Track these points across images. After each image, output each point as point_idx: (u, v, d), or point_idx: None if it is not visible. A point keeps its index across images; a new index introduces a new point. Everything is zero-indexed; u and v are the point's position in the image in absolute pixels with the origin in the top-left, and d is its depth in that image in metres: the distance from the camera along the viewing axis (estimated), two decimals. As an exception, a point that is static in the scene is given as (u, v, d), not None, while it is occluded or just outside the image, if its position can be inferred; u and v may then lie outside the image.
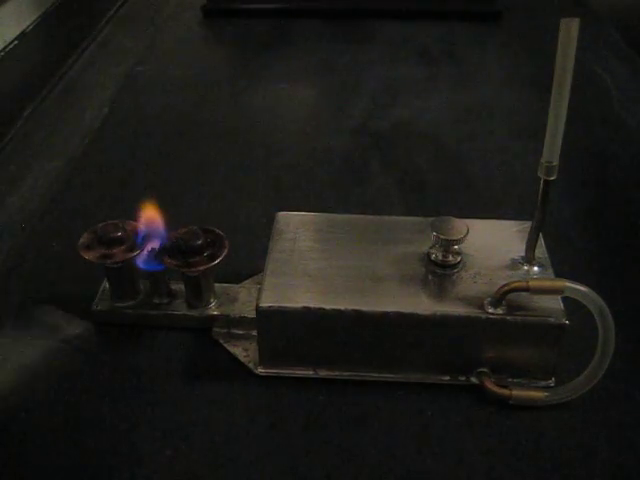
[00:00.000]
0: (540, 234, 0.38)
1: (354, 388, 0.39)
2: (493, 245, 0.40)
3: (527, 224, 0.39)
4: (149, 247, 0.40)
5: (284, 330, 0.38)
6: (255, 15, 0.86)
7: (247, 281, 0.44)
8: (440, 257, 0.39)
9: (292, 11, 0.86)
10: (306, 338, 0.38)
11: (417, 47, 0.78)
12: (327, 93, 0.71)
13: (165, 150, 0.60)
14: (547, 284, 0.36)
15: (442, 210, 0.41)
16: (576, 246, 0.49)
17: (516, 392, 0.37)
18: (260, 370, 0.39)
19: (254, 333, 0.40)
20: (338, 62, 0.76)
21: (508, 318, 0.36)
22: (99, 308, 0.42)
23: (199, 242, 0.39)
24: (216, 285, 0.42)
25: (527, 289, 0.36)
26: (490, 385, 0.38)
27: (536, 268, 0.39)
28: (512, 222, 0.42)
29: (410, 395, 0.38)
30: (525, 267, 0.39)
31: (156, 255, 0.40)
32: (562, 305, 0.37)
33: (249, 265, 0.45)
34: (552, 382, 0.38)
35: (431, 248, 0.39)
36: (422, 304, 0.37)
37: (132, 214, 0.42)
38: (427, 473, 0.34)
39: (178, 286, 0.43)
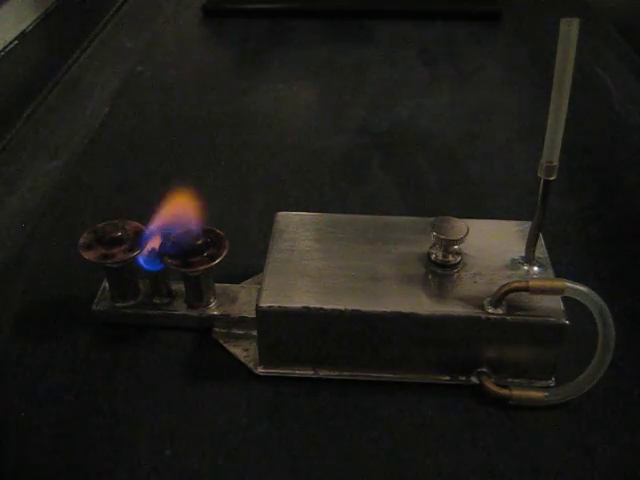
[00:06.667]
0: (540, 234, 0.38)
1: (354, 388, 0.39)
2: (493, 245, 0.40)
3: (527, 224, 0.39)
4: (149, 247, 0.40)
5: (284, 330, 0.38)
6: (255, 15, 0.86)
7: (247, 281, 0.44)
8: (440, 257, 0.39)
9: (292, 11, 0.86)
10: (306, 338, 0.38)
11: (417, 47, 0.78)
12: (327, 93, 0.71)
13: (165, 150, 0.60)
14: (547, 284, 0.36)
15: (442, 210, 0.41)
16: (576, 246, 0.49)
17: (516, 392, 0.37)
18: (260, 370, 0.39)
19: (254, 333, 0.40)
20: (338, 62, 0.76)
21: (508, 318, 0.36)
22: (99, 308, 0.42)
23: (199, 242, 0.39)
24: (216, 285, 0.42)
25: (527, 289, 0.36)
26: (490, 385, 0.38)
27: (536, 268, 0.39)
28: (512, 222, 0.42)
29: (410, 395, 0.38)
30: (525, 267, 0.39)
31: (156, 255, 0.40)
32: (562, 305, 0.37)
33: (249, 265, 0.45)
34: (552, 382, 0.38)
35: (431, 248, 0.39)
36: (422, 304, 0.37)
37: (133, 214, 0.42)
38: (427, 473, 0.34)
39: (178, 286, 0.43)
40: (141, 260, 0.40)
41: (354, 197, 0.54)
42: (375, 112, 0.66)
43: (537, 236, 0.38)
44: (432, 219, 0.39)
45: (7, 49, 0.76)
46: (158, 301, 0.42)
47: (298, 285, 0.38)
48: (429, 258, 0.39)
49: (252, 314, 0.39)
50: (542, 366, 0.38)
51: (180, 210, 0.40)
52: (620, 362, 0.38)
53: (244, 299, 0.42)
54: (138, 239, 0.40)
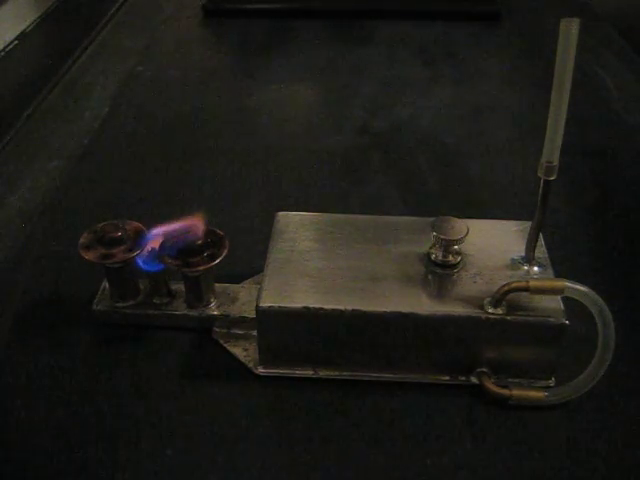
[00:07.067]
0: (540, 234, 0.38)
1: (354, 388, 0.39)
2: (493, 245, 0.40)
3: (527, 224, 0.39)
4: (149, 247, 0.40)
5: (284, 330, 0.38)
6: (255, 15, 0.86)
7: (247, 281, 0.44)
8: (440, 257, 0.39)
9: (292, 11, 0.86)
10: (306, 338, 0.38)
11: (417, 47, 0.78)
12: (327, 93, 0.71)
13: (165, 150, 0.60)
14: (547, 284, 0.36)
15: (442, 210, 0.41)
16: (576, 246, 0.49)
17: (516, 392, 0.37)
18: (260, 370, 0.39)
19: (254, 333, 0.40)
20: (338, 62, 0.76)
21: (508, 318, 0.36)
22: (99, 308, 0.42)
23: (199, 242, 0.39)
24: (216, 285, 0.42)
25: (527, 289, 0.36)
26: (490, 385, 0.38)
27: (536, 268, 0.39)
28: (512, 222, 0.42)
29: (410, 395, 0.38)
30: (525, 267, 0.39)
31: (156, 255, 0.40)
32: (562, 305, 0.37)
33: (249, 265, 0.45)
34: (552, 382, 0.38)
35: (431, 248, 0.39)
36: (422, 304, 0.37)
37: (133, 214, 0.42)
38: (427, 473, 0.34)
39: (178, 286, 0.43)
40: (140, 262, 0.40)
41: (354, 197, 0.54)
42: (375, 112, 0.66)
43: (537, 236, 0.38)
44: (432, 219, 0.39)
45: (7, 49, 0.76)
46: (158, 301, 0.42)
47: (298, 285, 0.38)
48: (429, 258, 0.39)
49: (252, 314, 0.39)
50: (542, 366, 0.38)
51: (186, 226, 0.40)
52: (620, 362, 0.37)
53: (244, 299, 0.42)
54: (138, 239, 0.40)
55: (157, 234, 0.40)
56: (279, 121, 0.65)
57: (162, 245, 0.40)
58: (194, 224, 0.40)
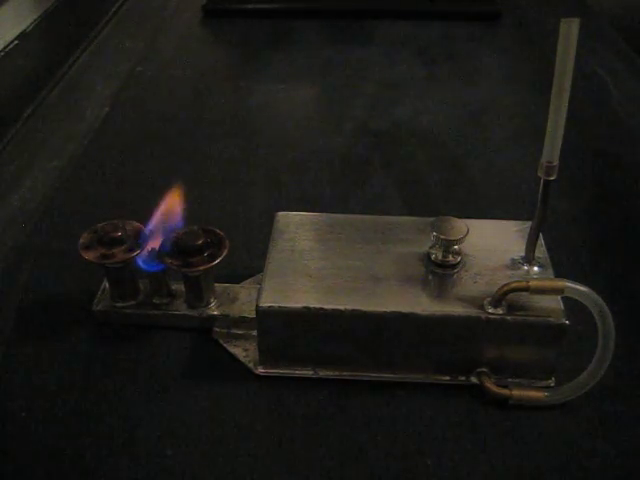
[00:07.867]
0: (540, 234, 0.38)
1: (354, 388, 0.39)
2: (493, 245, 0.40)
3: (527, 224, 0.39)
4: (149, 247, 0.40)
5: (284, 330, 0.38)
6: (255, 15, 0.86)
7: (247, 281, 0.44)
8: (440, 257, 0.39)
9: (292, 11, 0.86)
10: (306, 338, 0.38)
11: (417, 47, 0.78)
12: (327, 93, 0.71)
13: (165, 150, 0.60)
14: (547, 284, 0.36)
15: (442, 210, 0.41)
16: (576, 246, 0.49)
17: (516, 392, 0.37)
18: (260, 370, 0.39)
19: (254, 333, 0.40)
20: (338, 62, 0.76)
21: (508, 318, 0.36)
22: (99, 308, 0.42)
23: (199, 242, 0.39)
24: (216, 285, 0.42)
25: (527, 289, 0.36)
26: (490, 385, 0.38)
27: (536, 268, 0.39)
28: (512, 222, 0.42)
29: (410, 395, 0.38)
30: (525, 267, 0.39)
31: (156, 255, 0.40)
32: (562, 305, 0.37)
33: (249, 265, 0.45)
34: (552, 382, 0.38)
35: (431, 248, 0.39)
36: (422, 304, 0.37)
37: (133, 214, 0.42)
38: (427, 473, 0.34)
39: (178, 286, 0.43)
40: (140, 262, 0.40)
41: (354, 197, 0.54)
42: (375, 112, 0.66)
43: (537, 236, 0.38)
44: (432, 219, 0.39)
45: (7, 49, 0.76)
46: (158, 301, 0.42)
47: (298, 285, 0.38)
48: (429, 258, 0.39)
49: (252, 314, 0.39)
50: (542, 366, 0.38)
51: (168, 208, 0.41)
52: (620, 362, 0.38)
53: (244, 299, 0.42)
54: (138, 239, 0.40)
55: (151, 231, 0.41)
56: (279, 121, 0.65)
57: (162, 245, 0.40)
58: (170, 208, 0.40)
